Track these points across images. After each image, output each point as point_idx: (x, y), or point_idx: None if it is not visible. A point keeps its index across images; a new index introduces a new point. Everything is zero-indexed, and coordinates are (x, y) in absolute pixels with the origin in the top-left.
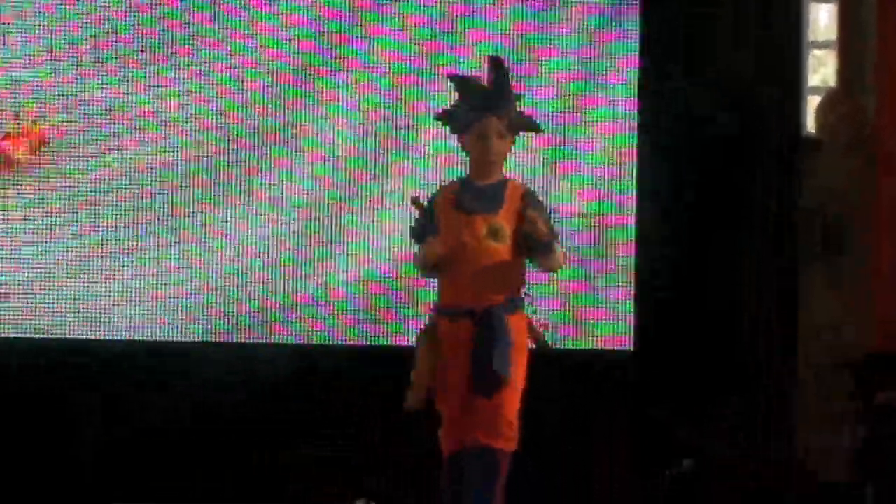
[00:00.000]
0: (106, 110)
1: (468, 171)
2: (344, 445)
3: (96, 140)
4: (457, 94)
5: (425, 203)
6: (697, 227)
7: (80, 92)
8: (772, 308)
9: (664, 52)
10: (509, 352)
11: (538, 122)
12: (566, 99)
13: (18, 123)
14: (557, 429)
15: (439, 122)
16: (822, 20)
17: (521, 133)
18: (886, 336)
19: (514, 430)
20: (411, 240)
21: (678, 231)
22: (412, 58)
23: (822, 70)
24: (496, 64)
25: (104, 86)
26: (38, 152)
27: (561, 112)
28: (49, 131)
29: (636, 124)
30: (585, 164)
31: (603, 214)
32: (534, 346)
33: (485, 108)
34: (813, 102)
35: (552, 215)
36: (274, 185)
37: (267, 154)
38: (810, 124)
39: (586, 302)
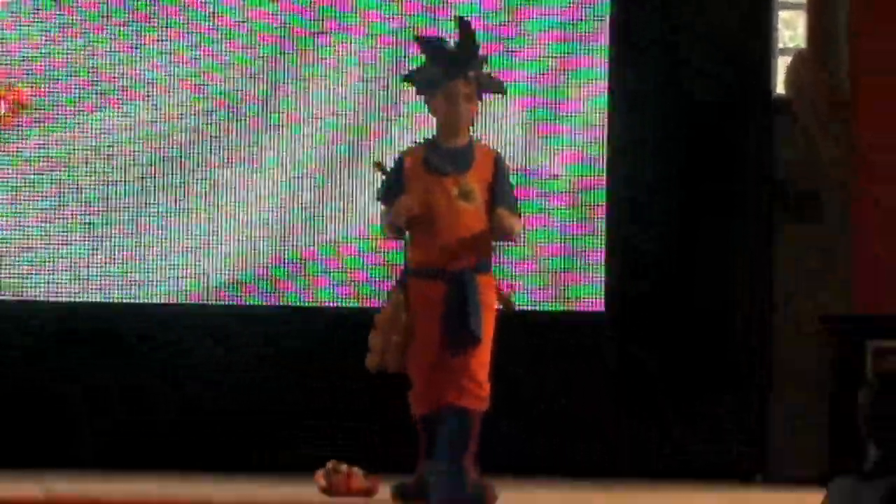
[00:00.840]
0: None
1: (436, 133)
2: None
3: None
4: (425, 56)
5: (388, 167)
6: (668, 192)
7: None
8: (745, 272)
9: (637, 12)
10: (481, 312)
11: (503, 84)
12: (545, 61)
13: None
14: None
15: (405, 82)
16: None
17: (488, 95)
18: (861, 298)
19: (484, 390)
20: (377, 202)
21: (649, 197)
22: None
23: (791, 32)
24: (464, 26)
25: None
26: (18, 113)
27: (540, 73)
28: (29, 93)
29: (606, 87)
30: (563, 126)
31: (580, 177)
32: (500, 307)
33: (452, 69)
34: (783, 63)
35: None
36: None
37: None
38: (780, 86)
39: (561, 265)
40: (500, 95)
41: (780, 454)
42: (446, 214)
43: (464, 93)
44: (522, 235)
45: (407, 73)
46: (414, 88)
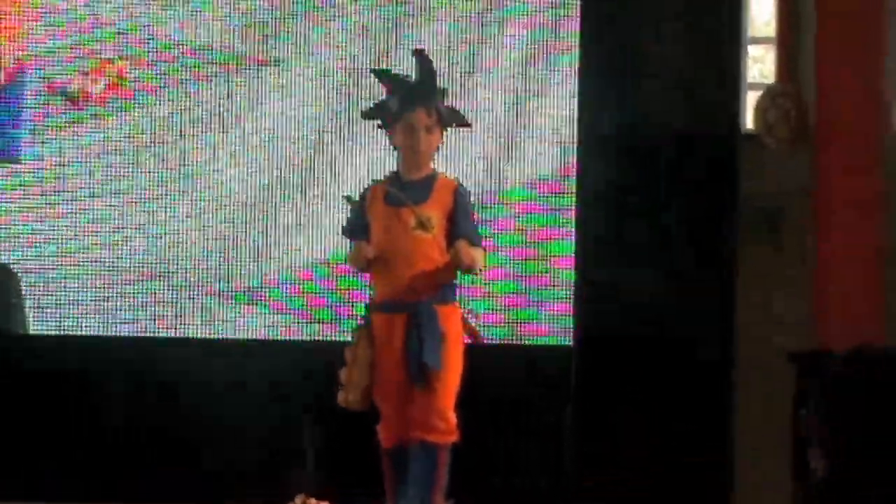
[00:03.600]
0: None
1: (398, 166)
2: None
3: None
4: (384, 89)
5: (357, 200)
6: (637, 223)
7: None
8: (712, 302)
9: (604, 47)
10: (440, 345)
11: (464, 117)
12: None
13: (97, 60)
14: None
15: (367, 119)
16: (762, 16)
17: (452, 127)
18: (825, 329)
19: (449, 423)
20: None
21: (618, 228)
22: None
23: (760, 66)
24: (422, 57)
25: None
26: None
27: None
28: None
29: (575, 126)
30: (529, 149)
31: (547, 221)
32: (469, 340)
33: (411, 101)
34: (753, 98)
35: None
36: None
37: None
38: (750, 121)
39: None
40: (464, 129)
41: (747, 487)
42: (404, 246)
43: (424, 124)
44: (486, 267)
45: (367, 107)
46: (376, 123)
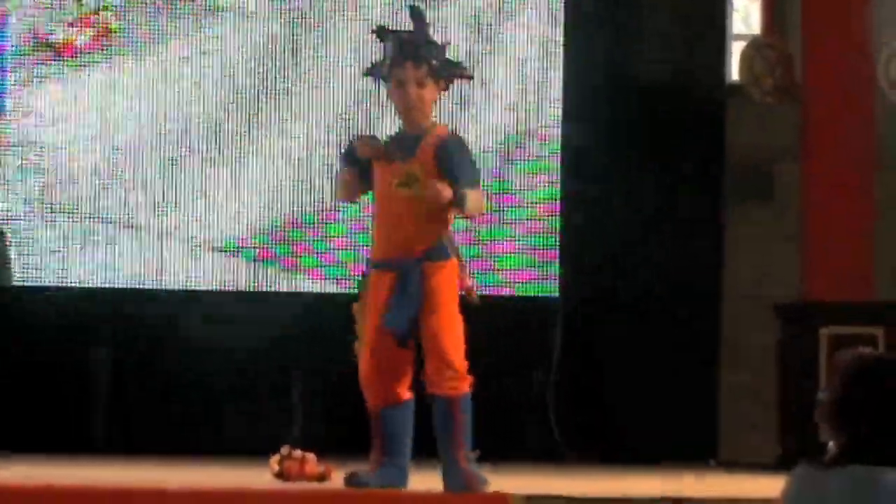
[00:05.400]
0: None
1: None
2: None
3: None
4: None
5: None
6: (623, 180)
7: None
8: (698, 257)
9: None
10: (415, 305)
11: (466, 68)
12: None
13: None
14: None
15: (367, 76)
16: None
17: (454, 80)
18: (812, 284)
19: (458, 373)
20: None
21: (603, 183)
22: None
23: (745, 17)
24: (415, 13)
25: None
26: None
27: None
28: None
29: (560, 85)
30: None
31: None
32: (463, 294)
33: (400, 54)
34: (738, 50)
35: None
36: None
37: None
38: (735, 72)
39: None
40: (466, 81)
41: (731, 439)
42: (390, 203)
43: (413, 77)
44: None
45: (366, 67)
46: (376, 81)
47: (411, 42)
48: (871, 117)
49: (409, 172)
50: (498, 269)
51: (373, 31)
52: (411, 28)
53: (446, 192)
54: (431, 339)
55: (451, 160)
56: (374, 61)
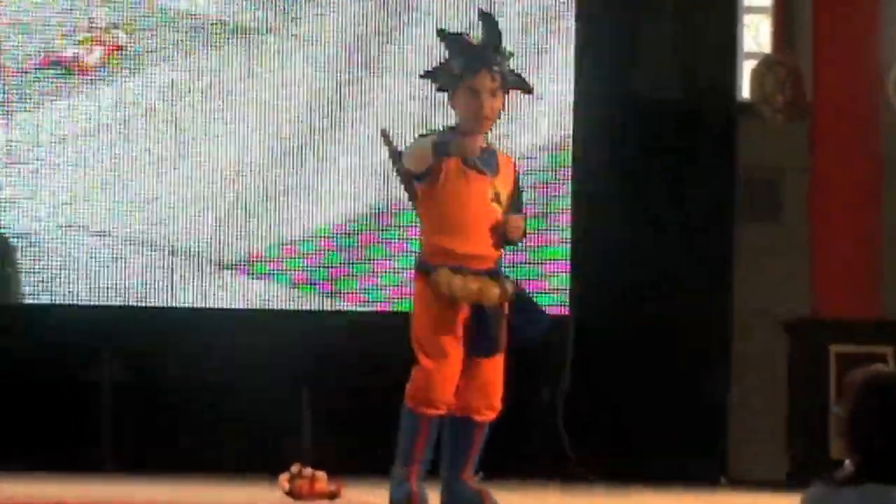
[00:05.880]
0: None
1: (457, 128)
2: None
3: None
4: (447, 52)
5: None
6: (634, 195)
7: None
8: (707, 274)
9: (599, 15)
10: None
11: (528, 82)
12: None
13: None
14: None
15: (427, 79)
16: None
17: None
18: (822, 301)
19: (500, 401)
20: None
21: (614, 199)
22: None
23: (756, 35)
24: (487, 19)
25: None
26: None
27: None
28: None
29: (571, 99)
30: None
31: (545, 184)
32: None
33: (476, 62)
34: (748, 67)
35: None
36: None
37: None
38: (746, 90)
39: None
40: (527, 94)
41: (741, 456)
42: (478, 215)
43: (489, 87)
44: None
45: (427, 69)
46: (436, 85)
47: (487, 49)
48: (880, 134)
49: (497, 189)
50: None
51: (438, 34)
52: (483, 32)
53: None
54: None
55: (520, 189)
56: (436, 65)
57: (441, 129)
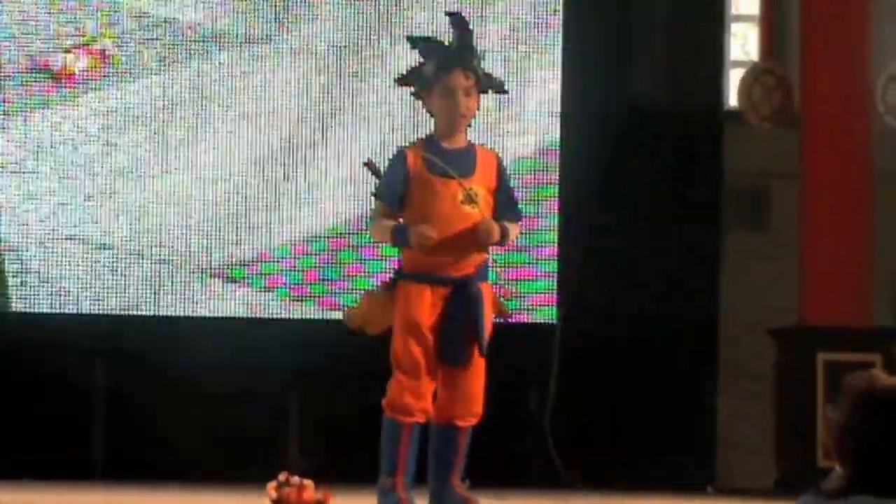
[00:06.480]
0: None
1: (434, 133)
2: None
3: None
4: (419, 57)
5: (379, 166)
6: (622, 202)
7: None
8: (695, 282)
9: (587, 23)
10: (485, 324)
11: (503, 82)
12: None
13: (80, 37)
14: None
15: (402, 85)
16: None
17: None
18: (810, 309)
19: (481, 407)
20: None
21: (601, 208)
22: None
23: (744, 44)
24: (456, 19)
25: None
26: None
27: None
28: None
29: (558, 109)
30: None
31: (534, 188)
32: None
33: (448, 62)
34: (736, 76)
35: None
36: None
37: None
38: (733, 98)
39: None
40: (502, 95)
41: (729, 465)
42: (450, 220)
43: (463, 85)
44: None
45: (401, 74)
46: (411, 90)
47: (458, 49)
48: (868, 142)
49: (470, 191)
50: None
51: (408, 40)
52: (453, 33)
53: (495, 234)
54: (469, 362)
55: (506, 186)
56: (410, 69)
57: (421, 137)
